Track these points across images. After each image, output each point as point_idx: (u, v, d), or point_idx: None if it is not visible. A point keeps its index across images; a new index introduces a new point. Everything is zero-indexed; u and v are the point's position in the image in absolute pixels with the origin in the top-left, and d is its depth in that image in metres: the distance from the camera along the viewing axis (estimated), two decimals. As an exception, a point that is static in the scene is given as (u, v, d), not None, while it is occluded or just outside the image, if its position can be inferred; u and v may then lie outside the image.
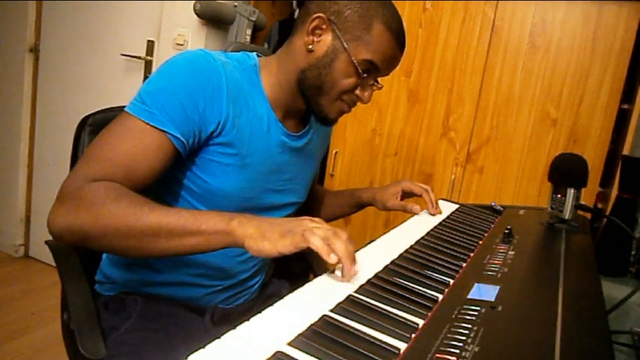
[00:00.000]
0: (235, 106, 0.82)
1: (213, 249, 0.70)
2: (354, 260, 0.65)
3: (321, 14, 0.82)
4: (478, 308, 0.57)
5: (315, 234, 0.63)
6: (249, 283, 1.00)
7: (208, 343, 0.46)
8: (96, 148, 0.74)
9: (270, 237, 0.65)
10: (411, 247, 0.82)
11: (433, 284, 0.66)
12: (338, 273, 0.66)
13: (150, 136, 0.74)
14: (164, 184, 0.83)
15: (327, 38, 0.83)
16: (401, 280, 0.66)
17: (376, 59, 0.84)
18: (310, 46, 0.84)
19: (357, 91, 0.87)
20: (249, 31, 2.00)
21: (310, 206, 1.22)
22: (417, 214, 1.08)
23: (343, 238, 0.65)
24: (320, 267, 1.16)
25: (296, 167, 0.98)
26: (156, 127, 0.74)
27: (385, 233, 0.91)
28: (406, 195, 1.16)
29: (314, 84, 0.85)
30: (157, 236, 0.68)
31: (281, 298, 0.57)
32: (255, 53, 0.92)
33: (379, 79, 0.90)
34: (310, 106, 0.89)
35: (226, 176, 0.85)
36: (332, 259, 0.63)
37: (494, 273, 0.71)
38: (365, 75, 0.84)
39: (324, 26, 0.83)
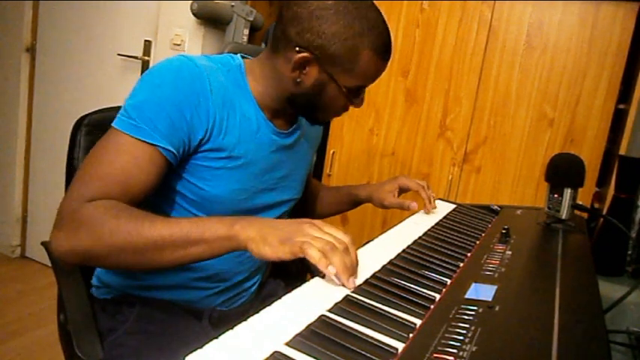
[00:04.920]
0: (222, 110, 0.82)
1: (218, 255, 0.70)
2: (352, 271, 0.65)
3: (305, 54, 0.79)
4: (475, 308, 0.57)
5: (313, 246, 0.63)
6: (247, 284, 1.00)
7: (206, 344, 0.46)
8: (89, 167, 0.74)
9: (270, 242, 0.65)
10: (409, 247, 0.82)
11: (431, 284, 0.67)
12: (334, 279, 0.64)
13: (141, 151, 0.74)
14: (160, 193, 0.83)
15: (314, 71, 0.82)
16: (398, 280, 0.66)
17: (365, 82, 0.86)
18: (298, 79, 0.83)
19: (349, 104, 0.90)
20: (246, 32, 2.00)
21: (306, 202, 1.21)
22: (414, 210, 1.08)
23: (340, 249, 0.64)
24: (317, 268, 1.15)
25: (289, 164, 0.98)
26: (146, 142, 0.74)
27: (383, 233, 0.91)
28: (402, 191, 1.16)
29: (306, 106, 0.88)
30: (162, 249, 0.68)
31: (278, 298, 0.57)
32: (239, 54, 0.92)
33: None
34: (304, 116, 0.93)
35: (219, 180, 0.84)
36: (330, 271, 0.63)
37: (491, 273, 0.71)
38: (355, 95, 0.87)
39: (309, 61, 0.81)
